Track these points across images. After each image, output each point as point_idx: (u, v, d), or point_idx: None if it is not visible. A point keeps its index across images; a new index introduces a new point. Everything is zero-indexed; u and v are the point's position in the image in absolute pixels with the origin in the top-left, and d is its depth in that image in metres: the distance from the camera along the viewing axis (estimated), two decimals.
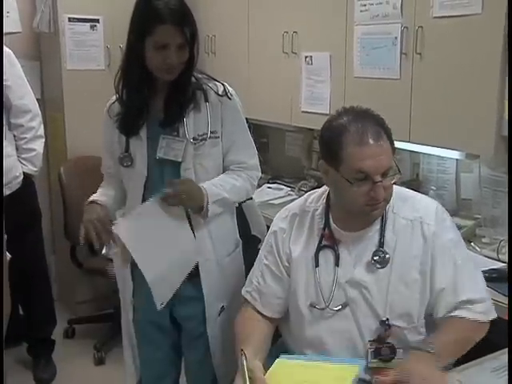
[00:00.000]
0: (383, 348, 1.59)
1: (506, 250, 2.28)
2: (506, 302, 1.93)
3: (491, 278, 2.06)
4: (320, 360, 1.56)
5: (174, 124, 1.92)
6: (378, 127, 1.55)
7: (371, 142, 1.51)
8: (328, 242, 1.67)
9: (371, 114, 1.59)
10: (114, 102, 1.98)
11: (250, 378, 1.41)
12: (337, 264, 1.65)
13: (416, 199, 1.70)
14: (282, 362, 1.56)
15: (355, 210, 1.59)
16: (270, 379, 1.45)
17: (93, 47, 3.63)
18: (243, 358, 1.45)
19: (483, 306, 1.61)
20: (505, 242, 2.33)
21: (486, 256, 2.30)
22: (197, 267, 1.97)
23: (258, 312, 1.73)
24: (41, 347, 3.19)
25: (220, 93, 1.95)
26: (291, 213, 1.76)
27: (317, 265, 1.67)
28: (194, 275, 1.98)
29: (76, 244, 3.40)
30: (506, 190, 2.48)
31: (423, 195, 1.77)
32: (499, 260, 2.22)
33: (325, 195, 1.73)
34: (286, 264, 1.72)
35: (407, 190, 1.76)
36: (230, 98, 1.97)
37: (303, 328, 1.68)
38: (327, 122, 1.63)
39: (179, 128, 1.92)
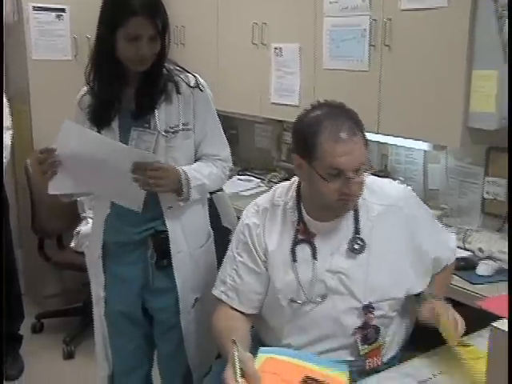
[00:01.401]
0: (369, 332, 1.62)
1: (471, 239, 2.33)
2: (473, 290, 1.98)
3: (458, 266, 2.10)
4: (305, 358, 1.54)
5: (145, 116, 1.90)
6: (352, 123, 1.56)
7: (346, 138, 1.52)
8: (303, 236, 1.67)
9: (345, 109, 1.60)
10: (84, 94, 1.95)
11: (241, 369, 1.38)
12: (314, 257, 1.65)
13: (384, 184, 1.74)
14: (270, 358, 1.51)
15: (327, 205, 1.61)
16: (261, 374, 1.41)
17: (59, 37, 3.57)
18: (235, 348, 1.42)
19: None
20: (471, 231, 2.39)
21: None
22: (169, 258, 1.97)
23: (236, 310, 1.70)
24: (8, 343, 3.14)
25: (192, 84, 1.95)
26: (261, 207, 1.74)
27: (294, 260, 1.66)
28: (166, 266, 1.98)
29: (44, 237, 3.37)
30: (472, 180, 2.54)
31: (391, 180, 1.82)
32: (466, 249, 2.27)
33: (294, 187, 1.73)
34: (264, 258, 1.70)
35: (375, 177, 1.78)
36: (201, 90, 1.96)
37: (283, 321, 1.68)
38: (301, 116, 1.63)
39: (150, 120, 1.90)
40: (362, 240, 1.64)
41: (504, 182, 2.41)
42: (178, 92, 1.92)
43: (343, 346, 1.65)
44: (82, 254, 2.37)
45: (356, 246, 1.63)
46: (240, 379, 1.35)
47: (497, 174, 2.43)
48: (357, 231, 1.65)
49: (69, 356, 3.24)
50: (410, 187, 1.79)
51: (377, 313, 1.63)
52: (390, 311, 1.66)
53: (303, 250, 1.67)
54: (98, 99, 1.90)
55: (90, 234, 2.21)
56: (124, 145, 1.86)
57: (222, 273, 1.76)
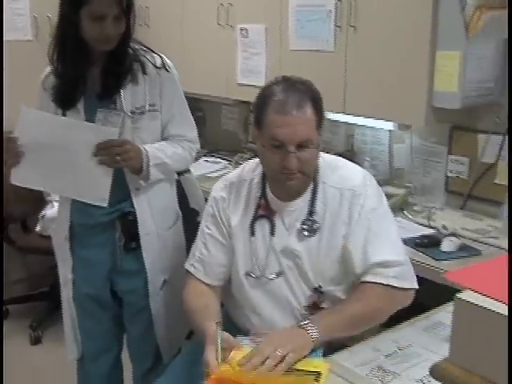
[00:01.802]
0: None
1: (435, 216, 2.39)
2: (437, 266, 2.03)
3: (423, 243, 2.16)
4: None
5: (111, 96, 1.88)
6: (305, 98, 1.55)
7: (291, 111, 1.53)
8: (264, 211, 1.69)
9: (305, 85, 1.60)
10: (48, 74, 1.92)
11: (223, 348, 1.41)
12: (272, 233, 1.67)
13: (346, 168, 1.72)
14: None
15: (272, 177, 1.64)
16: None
17: (18, 16, 3.48)
18: (218, 328, 1.43)
19: (397, 271, 1.58)
20: (435, 209, 2.44)
21: (417, 223, 2.39)
22: (137, 240, 1.97)
23: (202, 282, 1.74)
24: None
25: (158, 65, 1.93)
26: (229, 182, 1.77)
27: (252, 234, 1.69)
28: (134, 248, 1.98)
29: (8, 221, 3.31)
30: (436, 159, 2.59)
31: (354, 164, 1.78)
32: (430, 226, 2.32)
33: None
34: (229, 230, 1.73)
35: (339, 159, 1.77)
36: (168, 71, 1.95)
37: (242, 294, 1.71)
38: (260, 89, 1.67)
39: (116, 101, 1.88)
40: (315, 222, 1.65)
41: (466, 160, 2.46)
42: (144, 72, 1.91)
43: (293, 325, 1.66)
44: (48, 237, 2.35)
45: (308, 228, 1.64)
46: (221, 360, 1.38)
47: (459, 152, 2.49)
48: (311, 213, 1.65)
49: (36, 341, 3.21)
50: (371, 177, 1.73)
51: (327, 297, 1.65)
52: (342, 296, 1.66)
53: (262, 226, 1.69)
54: (62, 79, 1.87)
55: (55, 217, 2.19)
56: (85, 122, 1.84)
57: (193, 246, 1.79)
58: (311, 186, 1.67)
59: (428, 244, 2.15)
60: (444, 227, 2.25)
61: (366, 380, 1.35)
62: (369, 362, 1.42)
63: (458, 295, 0.87)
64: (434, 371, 0.92)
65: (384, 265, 1.58)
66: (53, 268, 2.16)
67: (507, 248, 2.05)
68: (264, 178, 1.72)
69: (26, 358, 3.09)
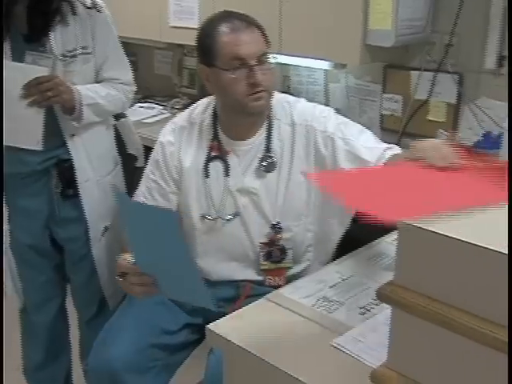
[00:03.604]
0: (274, 250, 1.67)
1: None
2: None
3: None
4: None
5: (39, 38, 1.80)
6: (250, 21, 1.61)
7: (242, 28, 1.57)
8: (217, 152, 1.68)
9: (244, 15, 1.63)
10: None
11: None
12: (226, 174, 1.67)
13: (297, 103, 1.73)
14: None
15: (239, 105, 1.59)
16: None
17: None
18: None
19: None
20: None
21: None
22: (75, 187, 1.93)
23: None
24: None
25: (88, 5, 1.86)
26: (178, 125, 1.74)
27: (207, 176, 1.68)
28: (72, 196, 1.94)
29: None
30: (371, 98, 2.63)
31: (304, 100, 1.79)
32: None
33: (211, 106, 1.73)
34: (176, 177, 1.71)
35: (289, 95, 1.79)
36: (99, 11, 1.88)
37: (195, 239, 1.71)
38: (200, 27, 1.67)
39: (46, 43, 1.81)
40: (272, 158, 1.66)
41: (399, 97, 2.51)
42: (74, 13, 1.83)
43: (249, 266, 1.70)
44: None
45: (266, 164, 1.66)
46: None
47: (393, 90, 2.53)
48: (268, 149, 1.67)
49: None
50: (325, 107, 1.75)
51: (285, 234, 1.68)
52: (300, 235, 1.69)
53: (216, 167, 1.69)
54: None
55: None
56: (12, 62, 1.76)
57: (138, 190, 1.77)
58: (266, 123, 1.67)
59: None
60: None
61: (312, 310, 1.39)
62: (314, 294, 1.46)
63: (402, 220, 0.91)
64: (381, 294, 0.95)
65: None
66: None
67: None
68: (215, 119, 1.70)
69: None
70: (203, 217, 1.69)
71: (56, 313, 2.14)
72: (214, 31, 1.58)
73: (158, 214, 1.35)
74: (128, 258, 1.47)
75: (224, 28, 1.57)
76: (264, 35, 1.62)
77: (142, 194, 1.74)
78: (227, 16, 1.62)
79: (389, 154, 1.59)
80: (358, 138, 1.64)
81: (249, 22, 1.60)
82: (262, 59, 1.57)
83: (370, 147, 1.61)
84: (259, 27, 1.62)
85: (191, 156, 1.70)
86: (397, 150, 1.62)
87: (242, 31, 1.57)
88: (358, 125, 1.71)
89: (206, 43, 1.60)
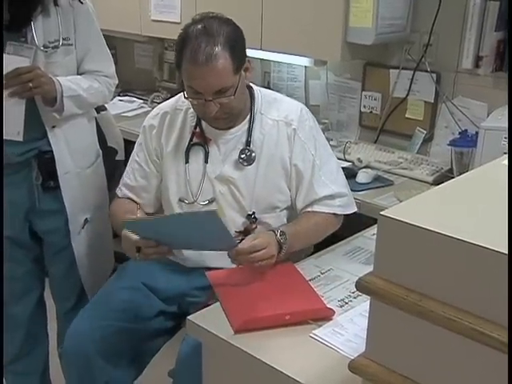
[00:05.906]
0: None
1: (351, 150, 2.47)
2: (355, 196, 2.10)
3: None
4: None
5: (20, 28, 1.79)
6: (219, 46, 1.54)
7: (202, 62, 1.53)
8: (198, 139, 1.74)
9: (222, 27, 1.58)
10: None
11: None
12: (206, 161, 1.72)
13: (283, 101, 1.78)
14: None
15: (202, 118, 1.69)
16: None
17: None
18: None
19: (342, 201, 1.72)
20: (350, 143, 2.52)
21: None
22: (56, 179, 1.92)
23: (130, 201, 1.82)
24: None
25: None
26: (162, 111, 1.80)
27: (187, 161, 1.73)
28: (52, 188, 1.93)
29: None
30: (350, 95, 2.66)
31: (290, 98, 1.85)
32: (346, 160, 2.40)
33: None
34: (156, 159, 1.78)
35: (276, 93, 1.85)
36: (81, 3, 1.88)
37: None
38: (181, 30, 1.64)
39: (27, 34, 1.79)
40: (251, 152, 1.70)
41: (378, 95, 2.55)
42: (56, 4, 1.82)
43: (224, 253, 1.70)
44: None
45: (244, 157, 1.70)
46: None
47: (373, 88, 2.57)
48: (248, 143, 1.70)
49: None
50: (308, 110, 1.80)
51: (260, 225, 1.71)
52: (274, 226, 1.70)
53: (197, 153, 1.74)
54: None
55: None
56: None
57: (124, 172, 1.85)
58: (248, 116, 1.71)
59: (345, 177, 2.23)
60: (359, 160, 2.35)
61: None
62: None
63: (382, 213, 0.93)
64: (360, 285, 0.98)
65: (331, 197, 1.69)
66: None
67: None
68: None
69: None
70: (181, 200, 1.74)
71: (35, 304, 2.13)
72: (182, 50, 1.58)
73: (201, 216, 1.49)
74: (133, 236, 1.52)
75: (188, 53, 1.55)
76: (234, 57, 1.56)
77: (127, 175, 1.83)
78: (200, 32, 1.55)
79: (315, 208, 1.69)
80: (324, 165, 1.72)
81: (217, 48, 1.53)
82: (220, 92, 1.57)
83: (322, 183, 1.69)
84: (232, 46, 1.56)
85: (173, 141, 1.76)
86: (325, 208, 1.70)
87: (201, 66, 1.53)
88: (329, 148, 1.81)
89: (177, 53, 1.60)
